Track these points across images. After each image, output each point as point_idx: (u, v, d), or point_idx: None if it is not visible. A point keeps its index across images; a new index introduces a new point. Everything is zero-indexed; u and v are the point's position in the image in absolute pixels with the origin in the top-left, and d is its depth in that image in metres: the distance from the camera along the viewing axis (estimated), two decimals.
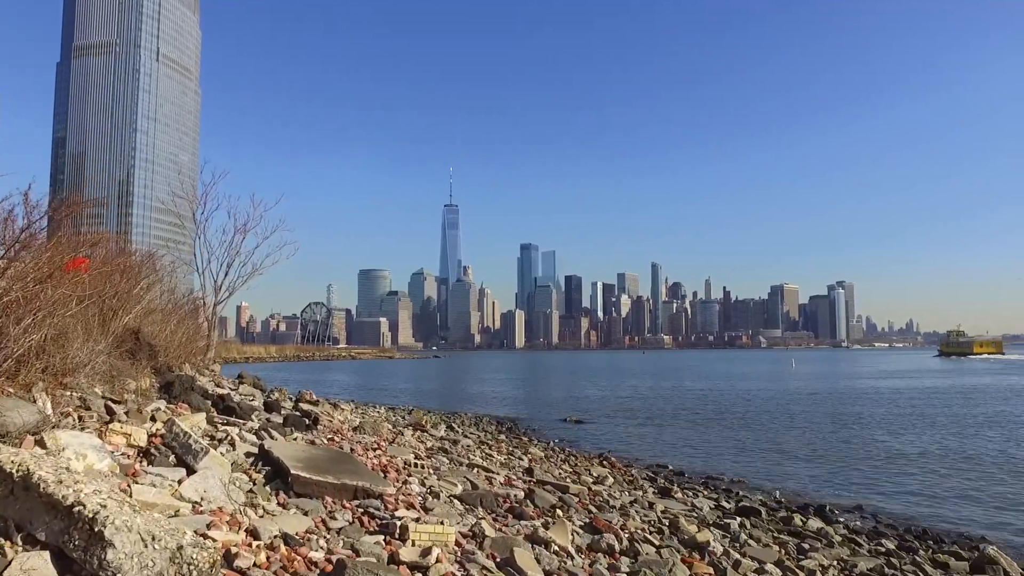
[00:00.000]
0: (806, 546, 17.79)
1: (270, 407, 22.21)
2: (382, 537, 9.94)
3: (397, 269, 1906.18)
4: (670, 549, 14.62)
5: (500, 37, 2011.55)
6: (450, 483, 15.81)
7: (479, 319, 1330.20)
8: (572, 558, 11.95)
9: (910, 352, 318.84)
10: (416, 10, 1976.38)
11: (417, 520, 10.70)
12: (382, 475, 14.31)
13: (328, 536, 9.66)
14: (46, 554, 5.94)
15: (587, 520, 15.41)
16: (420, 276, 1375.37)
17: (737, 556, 15.09)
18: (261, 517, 9.69)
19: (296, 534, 9.20)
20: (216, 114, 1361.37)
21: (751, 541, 17.41)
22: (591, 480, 23.96)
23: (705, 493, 25.22)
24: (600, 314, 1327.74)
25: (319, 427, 20.73)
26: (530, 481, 20.08)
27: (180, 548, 5.92)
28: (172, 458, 10.86)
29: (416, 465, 17.30)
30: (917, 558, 17.81)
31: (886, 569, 16.28)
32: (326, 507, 11.10)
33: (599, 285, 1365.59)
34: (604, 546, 13.20)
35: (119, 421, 12.22)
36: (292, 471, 11.55)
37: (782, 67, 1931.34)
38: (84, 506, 5.94)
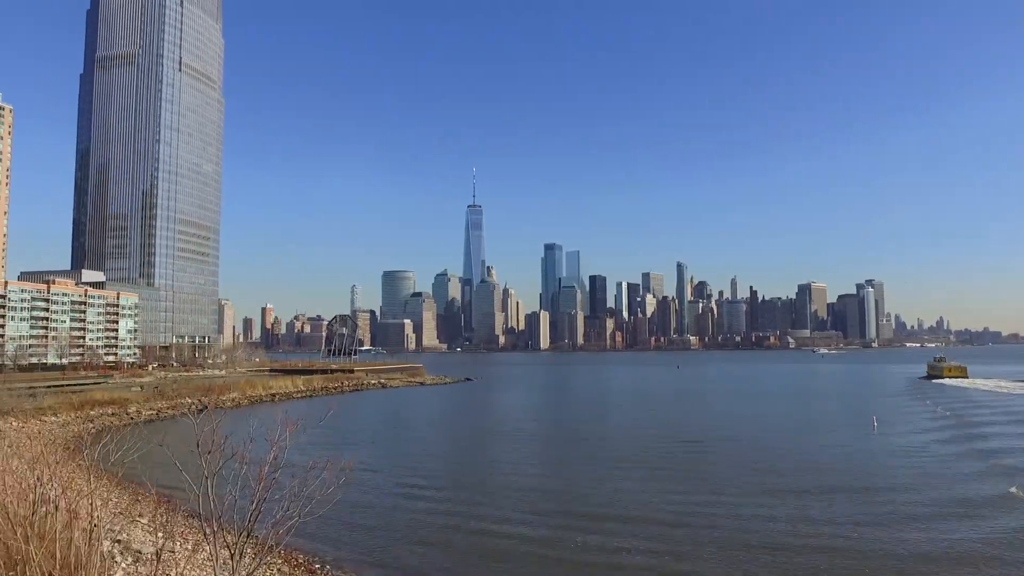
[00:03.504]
0: None
1: None
2: None
3: (421, 270, 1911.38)
4: None
5: (525, 39, 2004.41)
6: None
7: (503, 320, 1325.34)
8: None
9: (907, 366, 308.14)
10: (439, 12, 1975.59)
11: None
12: None
13: None
14: None
15: None
16: (444, 277, 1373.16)
17: None
18: None
19: None
20: (239, 120, 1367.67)
21: None
22: None
23: None
24: (625, 314, 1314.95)
25: None
26: None
27: None
28: None
29: None
30: None
31: None
32: None
33: (624, 285, 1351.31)
34: None
35: None
36: None
37: (809, 79, 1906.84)
38: None
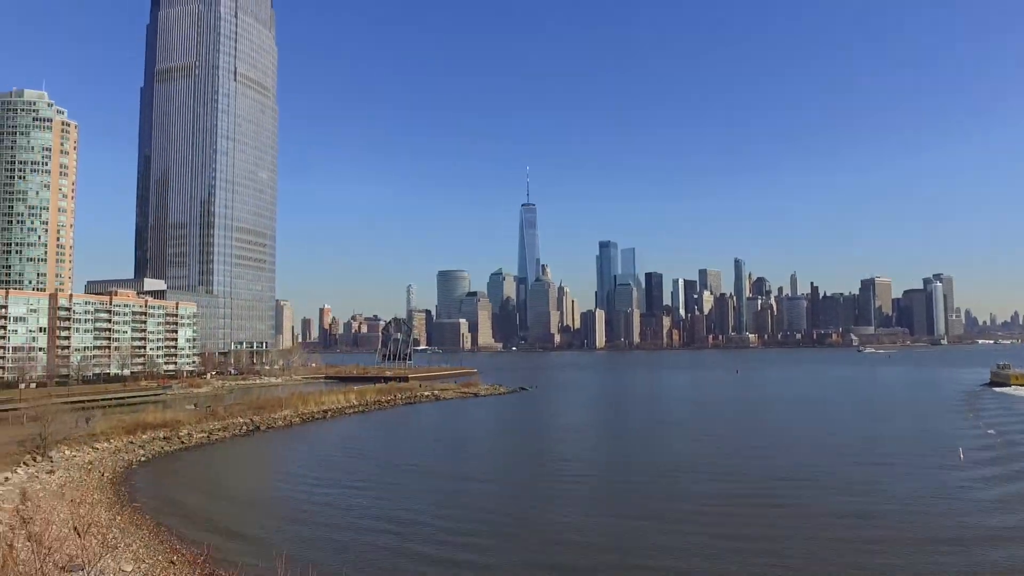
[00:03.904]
0: None
1: None
2: None
3: (476, 269, 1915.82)
4: None
5: (579, 36, 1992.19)
6: None
7: (558, 318, 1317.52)
8: None
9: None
10: (492, 9, 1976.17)
11: None
12: None
13: None
14: None
15: None
16: (499, 276, 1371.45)
17: None
18: None
19: None
20: (291, 124, 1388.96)
21: None
22: None
23: None
24: (682, 312, 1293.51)
25: None
26: None
27: None
28: None
29: None
30: None
31: None
32: None
33: (680, 282, 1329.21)
34: None
35: None
36: None
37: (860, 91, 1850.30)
38: None
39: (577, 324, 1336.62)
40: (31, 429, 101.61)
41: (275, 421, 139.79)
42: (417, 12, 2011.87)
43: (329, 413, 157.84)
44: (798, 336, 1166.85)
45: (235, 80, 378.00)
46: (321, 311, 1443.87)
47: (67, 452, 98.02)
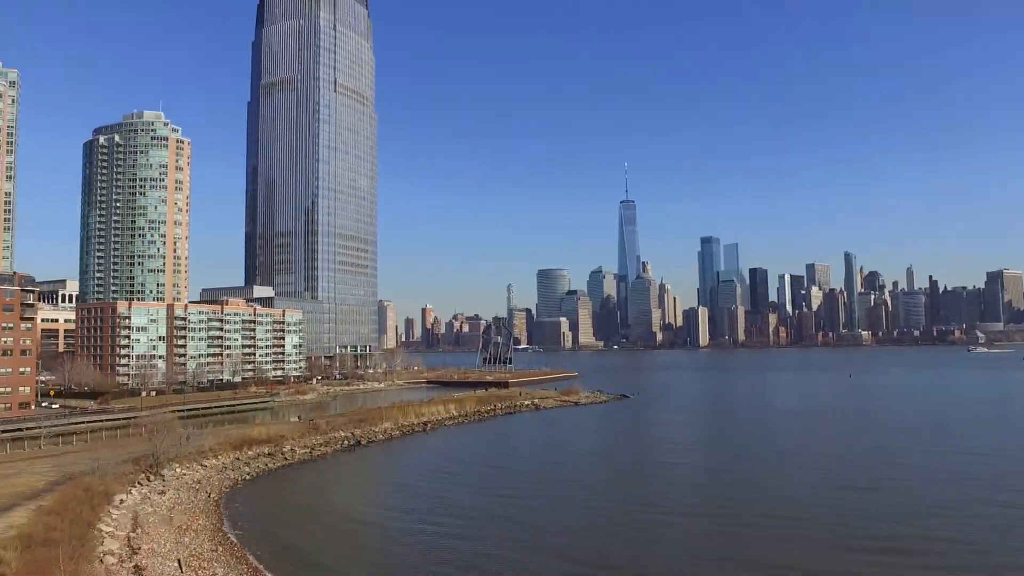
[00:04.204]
0: None
1: None
2: None
3: (575, 267, 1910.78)
4: None
5: (676, 32, 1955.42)
6: None
7: (660, 316, 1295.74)
8: None
9: None
10: (588, 6, 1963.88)
11: None
12: None
13: None
14: None
15: None
16: (599, 274, 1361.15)
17: None
18: None
19: None
20: (389, 130, 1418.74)
21: None
22: None
23: None
24: (789, 308, 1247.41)
25: None
26: None
27: None
28: None
29: None
30: None
31: None
32: None
33: (786, 278, 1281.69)
34: None
35: None
36: None
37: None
38: None
39: (679, 322, 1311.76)
40: (146, 446, 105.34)
41: (376, 435, 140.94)
42: (506, 16, 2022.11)
43: (429, 425, 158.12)
44: (916, 333, 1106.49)
45: (335, 91, 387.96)
46: (423, 311, 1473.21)
47: (178, 470, 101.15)
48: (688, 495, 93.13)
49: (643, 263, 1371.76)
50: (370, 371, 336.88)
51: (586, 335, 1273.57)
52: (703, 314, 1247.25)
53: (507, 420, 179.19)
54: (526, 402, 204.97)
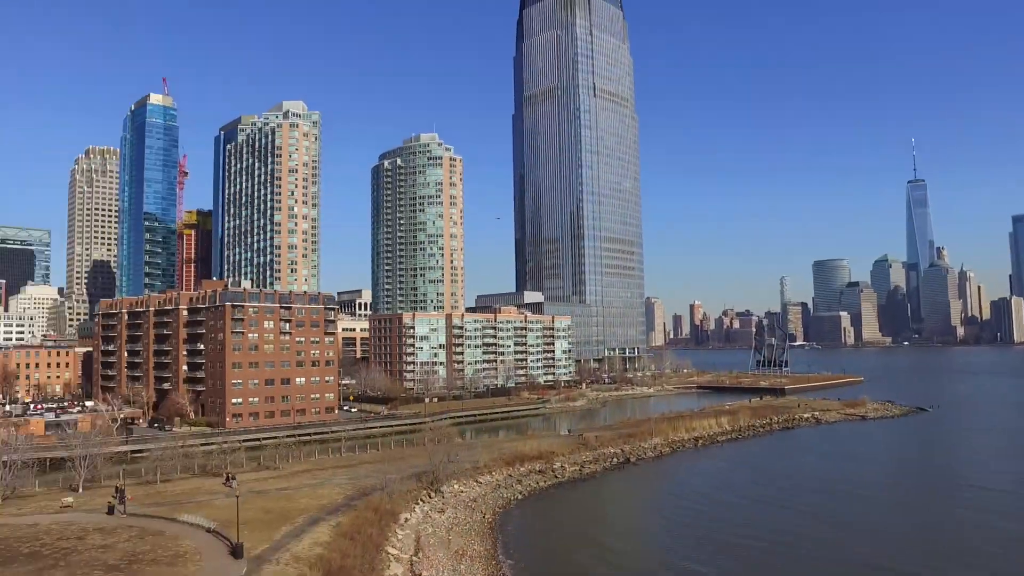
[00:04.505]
0: None
1: None
2: None
3: (855, 257, 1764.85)
4: None
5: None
6: None
7: (960, 308, 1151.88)
8: None
9: None
10: None
11: None
12: None
13: None
14: None
15: None
16: (884, 263, 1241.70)
17: None
18: None
19: None
20: (651, 131, 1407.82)
21: None
22: None
23: None
24: None
25: None
26: None
27: None
28: None
29: None
30: None
31: None
32: None
33: None
34: None
35: None
36: None
37: None
38: None
39: (986, 314, 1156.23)
40: (427, 459, 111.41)
41: (645, 451, 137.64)
42: (765, 5, 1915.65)
43: (700, 441, 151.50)
44: None
45: (594, 95, 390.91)
46: (691, 307, 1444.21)
47: (456, 487, 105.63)
48: None
49: (938, 249, 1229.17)
50: (639, 375, 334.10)
51: (870, 330, 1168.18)
52: (1017, 305, 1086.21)
53: (784, 437, 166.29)
54: (805, 415, 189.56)
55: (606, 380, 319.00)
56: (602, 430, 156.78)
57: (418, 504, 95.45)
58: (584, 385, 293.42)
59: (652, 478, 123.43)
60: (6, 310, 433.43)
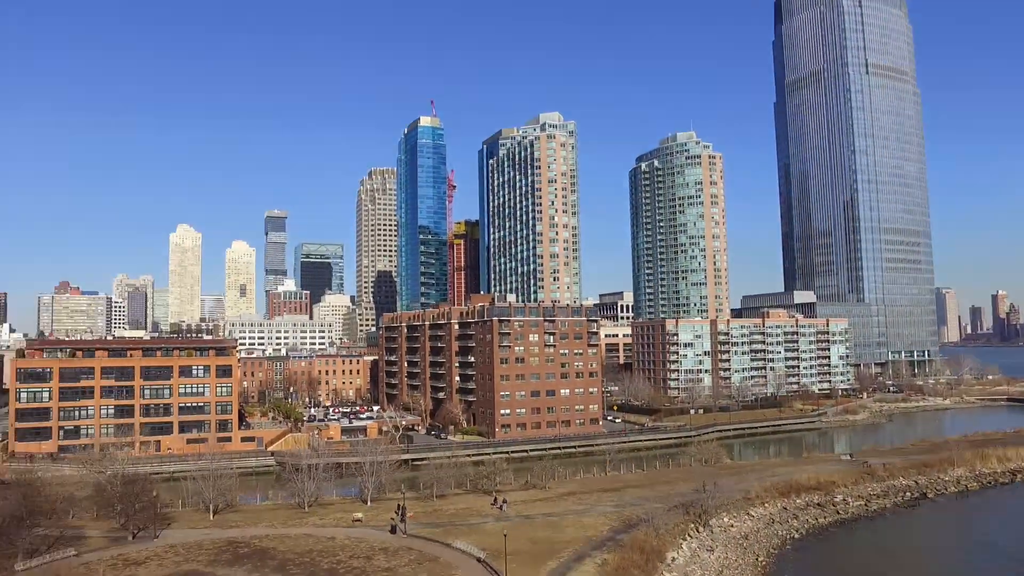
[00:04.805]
0: None
1: None
2: None
3: None
4: None
5: None
6: None
7: None
8: None
9: None
10: None
11: None
12: None
13: None
14: None
15: None
16: None
17: None
18: None
19: None
20: (937, 107, 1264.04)
21: None
22: None
23: None
24: None
25: None
26: None
27: None
28: None
29: None
30: None
31: None
32: None
33: None
34: None
35: None
36: None
37: None
38: None
39: None
40: (694, 483, 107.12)
41: (946, 485, 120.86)
42: None
43: (1019, 476, 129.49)
44: None
45: (867, 72, 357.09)
46: (994, 297, 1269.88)
47: (725, 519, 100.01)
48: None
49: None
50: (929, 382, 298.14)
51: None
52: None
53: None
54: None
55: (890, 388, 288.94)
56: (889, 454, 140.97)
57: (685, 540, 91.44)
58: (864, 394, 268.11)
59: (957, 521, 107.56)
60: (311, 318, 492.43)
